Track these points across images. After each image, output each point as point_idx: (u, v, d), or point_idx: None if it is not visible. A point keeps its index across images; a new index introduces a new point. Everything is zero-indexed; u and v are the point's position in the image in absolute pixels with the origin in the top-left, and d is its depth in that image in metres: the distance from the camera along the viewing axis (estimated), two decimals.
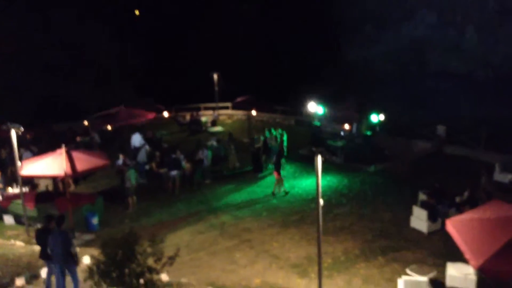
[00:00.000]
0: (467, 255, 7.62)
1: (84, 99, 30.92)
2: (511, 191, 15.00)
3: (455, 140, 20.21)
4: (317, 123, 22.45)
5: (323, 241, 8.98)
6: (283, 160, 16.42)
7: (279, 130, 20.06)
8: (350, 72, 41.46)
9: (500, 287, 9.20)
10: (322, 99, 22.80)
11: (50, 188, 16.42)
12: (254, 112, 25.28)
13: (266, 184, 17.56)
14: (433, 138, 20.85)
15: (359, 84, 37.52)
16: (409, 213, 13.15)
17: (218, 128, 27.25)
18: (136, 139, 20.01)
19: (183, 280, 10.46)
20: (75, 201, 13.26)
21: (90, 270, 7.81)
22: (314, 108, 22.35)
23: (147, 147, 19.00)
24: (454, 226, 8.45)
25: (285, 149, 19.62)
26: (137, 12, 48.81)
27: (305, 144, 21.50)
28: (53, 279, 9.75)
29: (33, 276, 10.64)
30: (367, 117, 20.71)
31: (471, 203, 12.38)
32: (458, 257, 9.12)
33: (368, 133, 20.63)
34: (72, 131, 23.74)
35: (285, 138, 19.73)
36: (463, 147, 19.69)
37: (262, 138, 20.26)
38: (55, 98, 30.36)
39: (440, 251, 11.47)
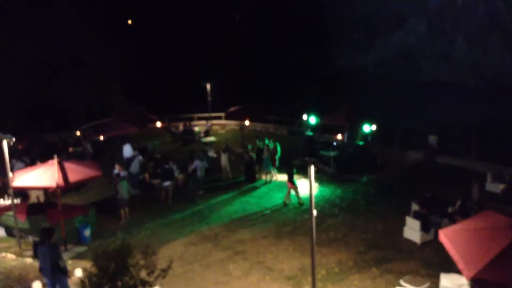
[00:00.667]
0: (460, 266, 7.65)
1: (74, 106, 30.76)
2: (502, 201, 15.11)
3: (446, 149, 20.37)
4: (309, 133, 22.52)
5: (316, 252, 8.98)
6: (294, 170, 16.30)
7: (271, 141, 20.06)
8: (341, 81, 41.77)
9: None
10: (314, 109, 22.90)
11: (42, 199, 16.30)
12: (247, 122, 25.34)
13: (259, 195, 17.55)
14: (425, 148, 21.00)
15: (350, 92, 37.74)
16: (402, 223, 13.19)
17: (211, 138, 27.25)
18: (127, 150, 19.95)
19: None
20: (67, 213, 13.16)
21: (82, 283, 7.74)
22: (307, 118, 22.45)
23: (140, 157, 18.91)
24: (447, 236, 8.49)
25: (277, 159, 19.64)
26: (129, 22, 48.91)
27: (298, 154, 21.54)
28: None
29: None
30: (359, 127, 20.83)
31: (463, 214, 12.45)
32: (452, 267, 9.15)
33: (361, 143, 20.73)
34: (64, 141, 23.63)
35: (278, 149, 19.75)
36: (455, 156, 19.85)
37: (255, 145, 20.21)
38: (45, 103, 30.05)
39: (433, 261, 11.50)
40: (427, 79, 40.22)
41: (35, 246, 9.93)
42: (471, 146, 19.60)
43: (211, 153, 21.14)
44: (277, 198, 17.01)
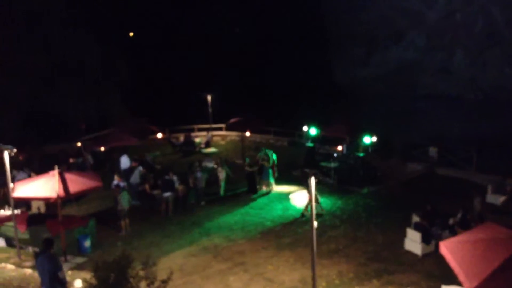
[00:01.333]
0: (461, 278, 7.63)
1: (74, 117, 30.77)
2: (503, 213, 15.10)
3: (447, 161, 20.39)
4: (310, 144, 22.57)
5: (317, 263, 8.97)
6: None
7: (267, 151, 20.10)
8: (340, 94, 41.97)
9: None
10: (313, 120, 22.99)
11: (42, 210, 16.27)
12: (247, 133, 25.39)
13: (259, 206, 17.54)
14: (425, 160, 21.02)
15: (349, 104, 37.91)
16: (403, 235, 13.17)
17: (211, 149, 27.27)
18: (124, 162, 19.96)
19: None
20: (67, 224, 13.15)
21: None
22: (307, 129, 22.52)
23: (140, 168, 18.92)
24: (448, 248, 8.47)
25: (276, 170, 19.68)
26: (131, 34, 49.31)
27: (298, 165, 21.58)
28: None
29: None
30: (359, 139, 20.87)
31: (464, 225, 12.44)
32: (452, 279, 9.14)
33: (361, 154, 20.76)
34: (65, 152, 23.64)
35: (274, 158, 19.78)
36: (455, 168, 19.87)
37: (255, 158, 20.22)
38: (44, 114, 30.06)
39: (434, 273, 11.47)
40: (426, 92, 40.37)
41: (36, 257, 9.90)
42: (471, 158, 19.64)
43: (211, 164, 21.13)
44: (278, 210, 17.01)
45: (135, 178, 18.33)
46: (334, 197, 18.14)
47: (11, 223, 13.35)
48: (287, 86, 43.81)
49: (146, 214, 16.73)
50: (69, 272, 11.91)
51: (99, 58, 33.40)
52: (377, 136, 20.77)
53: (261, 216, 16.43)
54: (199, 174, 17.92)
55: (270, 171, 19.04)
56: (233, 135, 30.03)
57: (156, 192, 17.17)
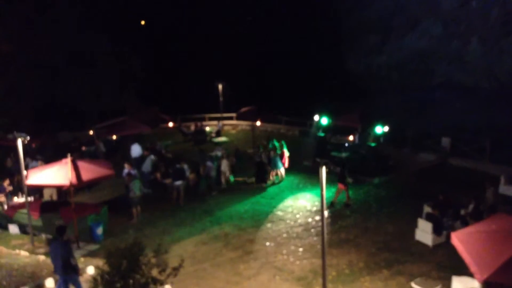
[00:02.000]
0: (472, 269, 7.59)
1: (85, 104, 31.01)
2: None
3: (460, 151, 20.16)
4: (321, 134, 22.47)
5: (327, 253, 8.97)
6: (346, 171, 16.20)
7: (276, 142, 20.13)
8: (354, 83, 41.64)
9: None
10: (325, 109, 22.85)
11: (54, 197, 16.49)
12: (258, 123, 25.35)
13: (270, 195, 17.56)
14: (438, 150, 20.82)
15: (362, 94, 37.62)
16: (414, 225, 13.09)
17: (222, 138, 27.32)
18: (135, 150, 20.06)
19: None
20: (79, 211, 13.32)
21: (94, 280, 7.81)
22: (318, 118, 22.39)
23: (152, 156, 19.03)
24: (459, 239, 8.42)
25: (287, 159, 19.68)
26: (142, 22, 49.28)
27: (309, 155, 21.51)
28: None
29: (37, 286, 10.64)
30: (371, 128, 20.69)
31: (476, 216, 12.32)
32: (463, 270, 9.09)
33: (373, 144, 20.60)
34: (78, 140, 23.89)
35: (285, 148, 19.80)
36: (468, 159, 19.64)
37: (267, 147, 20.25)
38: (56, 101, 30.32)
39: (445, 264, 11.40)
40: (441, 81, 39.87)
41: (49, 243, 10.07)
42: (484, 148, 19.38)
43: (221, 153, 21.07)
44: (288, 199, 17.02)
45: (146, 166, 18.48)
46: None
47: (24, 210, 13.56)
48: (300, 75, 43.54)
49: (157, 202, 16.86)
50: (82, 259, 12.10)
51: (112, 48, 33.48)
52: (389, 125, 20.57)
53: (271, 205, 16.46)
54: (209, 163, 17.95)
55: (279, 159, 19.01)
56: (244, 124, 30.03)
57: (167, 180, 17.29)
